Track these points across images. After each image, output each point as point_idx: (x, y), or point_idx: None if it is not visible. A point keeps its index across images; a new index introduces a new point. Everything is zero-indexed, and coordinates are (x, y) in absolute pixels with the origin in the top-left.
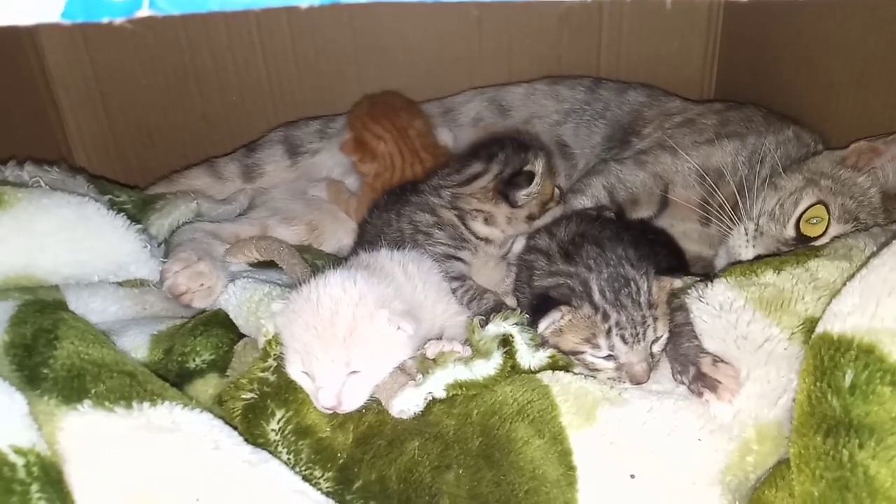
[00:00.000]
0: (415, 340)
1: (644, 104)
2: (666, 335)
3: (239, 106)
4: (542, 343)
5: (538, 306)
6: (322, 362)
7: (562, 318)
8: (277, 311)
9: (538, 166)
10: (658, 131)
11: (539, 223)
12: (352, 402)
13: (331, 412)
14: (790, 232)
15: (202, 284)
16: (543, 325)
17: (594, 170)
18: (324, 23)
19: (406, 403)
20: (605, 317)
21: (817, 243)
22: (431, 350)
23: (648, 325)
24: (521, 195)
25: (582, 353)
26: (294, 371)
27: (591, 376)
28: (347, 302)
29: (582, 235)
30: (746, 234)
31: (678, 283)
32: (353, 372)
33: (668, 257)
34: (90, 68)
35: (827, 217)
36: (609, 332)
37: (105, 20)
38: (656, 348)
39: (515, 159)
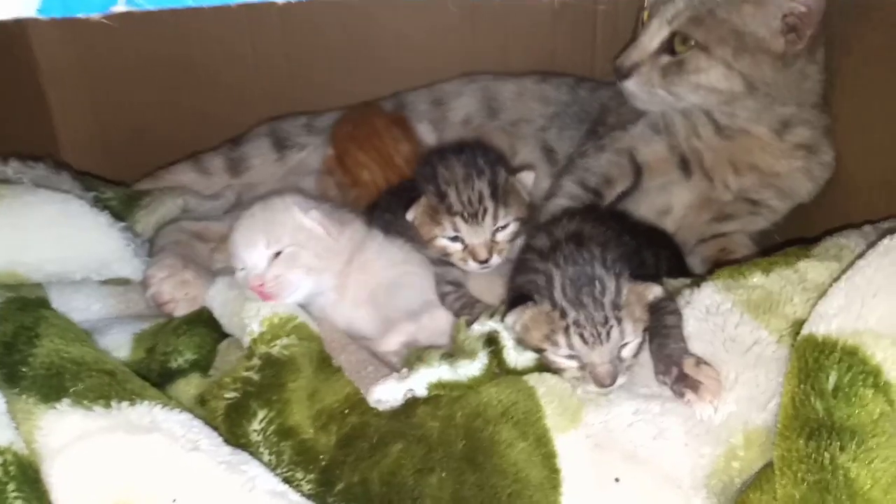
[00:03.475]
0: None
1: (611, 97)
2: (637, 341)
3: (230, 102)
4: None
5: (511, 301)
6: (246, 246)
7: (525, 313)
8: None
9: (419, 206)
10: (614, 117)
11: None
12: (280, 286)
13: (262, 294)
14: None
15: (187, 293)
16: (510, 320)
17: (563, 170)
18: (315, 19)
19: (385, 394)
20: (563, 314)
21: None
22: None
23: (612, 327)
24: (408, 216)
25: (544, 350)
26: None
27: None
28: (264, 201)
29: (574, 234)
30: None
31: (657, 290)
32: (277, 253)
33: (669, 260)
34: (79, 64)
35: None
36: (567, 329)
37: (81, 16)
38: (625, 353)
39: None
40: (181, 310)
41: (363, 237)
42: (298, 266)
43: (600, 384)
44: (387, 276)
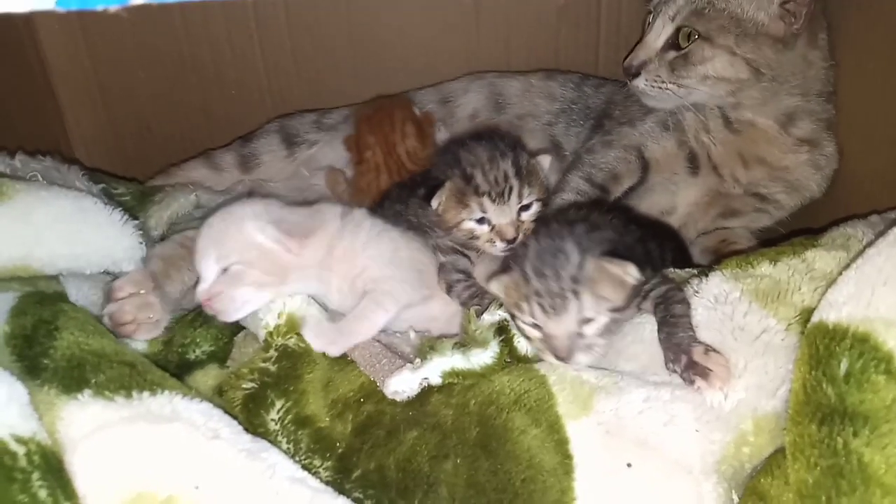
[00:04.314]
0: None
1: (616, 92)
2: (604, 320)
3: (237, 99)
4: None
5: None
6: (201, 256)
7: (502, 279)
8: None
9: (445, 190)
10: (619, 109)
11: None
12: (221, 304)
13: (209, 309)
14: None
15: (150, 316)
16: (492, 286)
17: (570, 166)
18: (321, 16)
19: (401, 385)
20: (527, 282)
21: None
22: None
23: (569, 300)
24: (433, 203)
25: (516, 317)
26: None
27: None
28: (224, 210)
29: (574, 218)
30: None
31: (632, 270)
32: (225, 270)
33: (674, 252)
34: (88, 61)
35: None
36: (529, 297)
37: (100, 7)
38: (588, 330)
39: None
40: (141, 334)
41: (340, 229)
42: (245, 284)
43: (556, 355)
44: (370, 273)
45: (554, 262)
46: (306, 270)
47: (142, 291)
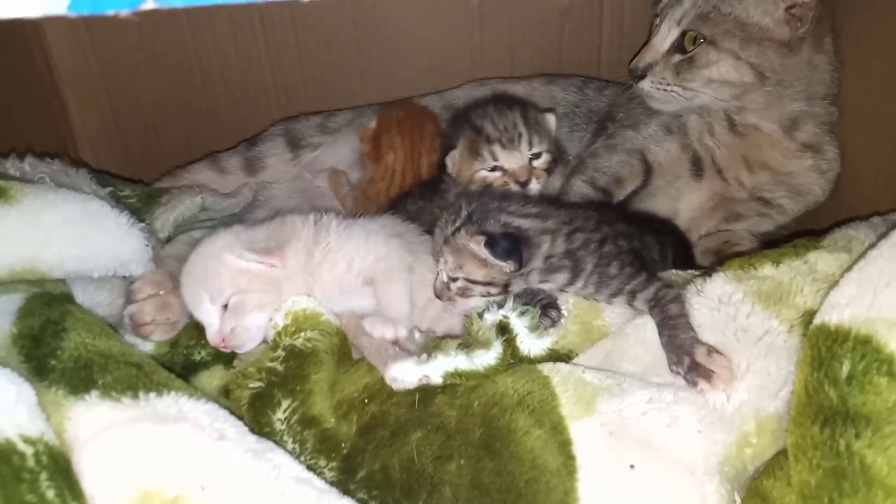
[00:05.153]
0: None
1: (618, 94)
2: (462, 284)
3: (243, 101)
4: (546, 327)
5: None
6: (195, 305)
7: None
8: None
9: (458, 147)
10: (622, 112)
11: None
12: (239, 338)
13: (224, 348)
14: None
15: (168, 318)
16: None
17: (573, 170)
18: (326, 17)
19: (402, 373)
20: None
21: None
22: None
23: (440, 256)
24: (447, 161)
25: None
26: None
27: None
28: (197, 252)
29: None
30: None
31: (490, 257)
32: (225, 306)
33: (675, 247)
34: (95, 63)
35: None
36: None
37: (111, 12)
38: (452, 285)
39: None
40: (159, 334)
41: (315, 234)
42: (249, 311)
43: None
44: (356, 265)
45: (447, 219)
46: (294, 279)
47: (161, 292)
